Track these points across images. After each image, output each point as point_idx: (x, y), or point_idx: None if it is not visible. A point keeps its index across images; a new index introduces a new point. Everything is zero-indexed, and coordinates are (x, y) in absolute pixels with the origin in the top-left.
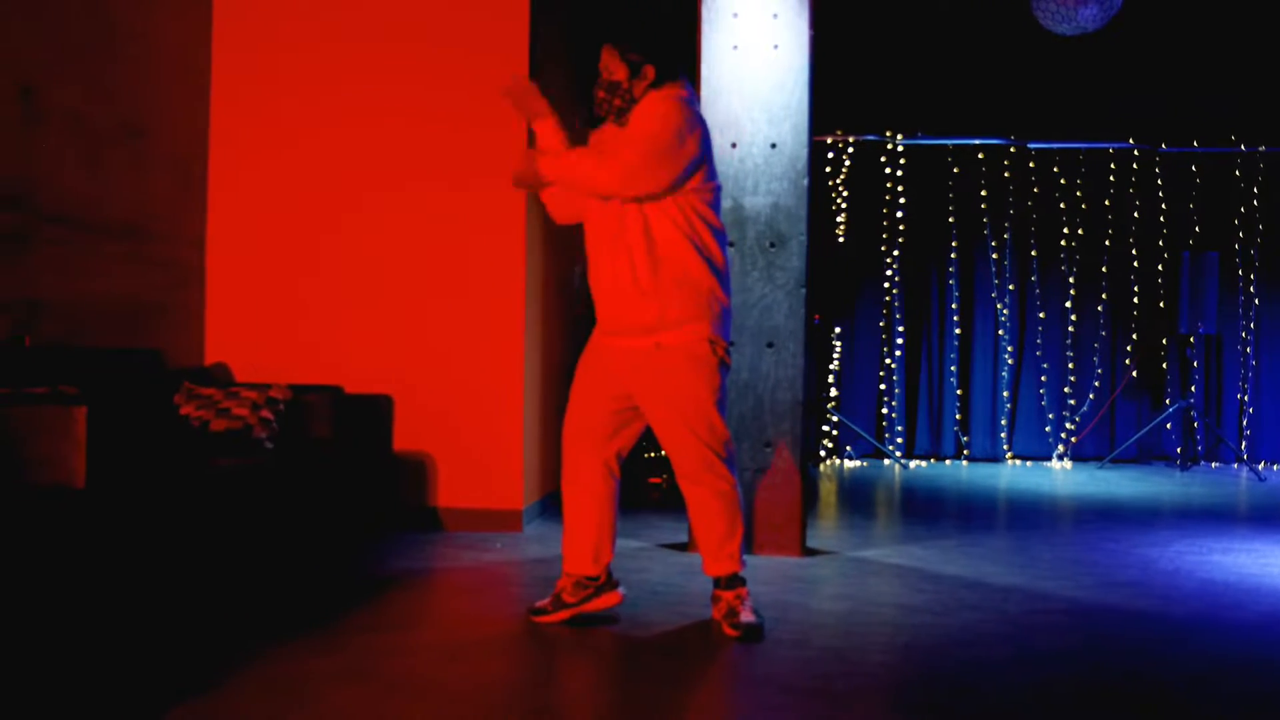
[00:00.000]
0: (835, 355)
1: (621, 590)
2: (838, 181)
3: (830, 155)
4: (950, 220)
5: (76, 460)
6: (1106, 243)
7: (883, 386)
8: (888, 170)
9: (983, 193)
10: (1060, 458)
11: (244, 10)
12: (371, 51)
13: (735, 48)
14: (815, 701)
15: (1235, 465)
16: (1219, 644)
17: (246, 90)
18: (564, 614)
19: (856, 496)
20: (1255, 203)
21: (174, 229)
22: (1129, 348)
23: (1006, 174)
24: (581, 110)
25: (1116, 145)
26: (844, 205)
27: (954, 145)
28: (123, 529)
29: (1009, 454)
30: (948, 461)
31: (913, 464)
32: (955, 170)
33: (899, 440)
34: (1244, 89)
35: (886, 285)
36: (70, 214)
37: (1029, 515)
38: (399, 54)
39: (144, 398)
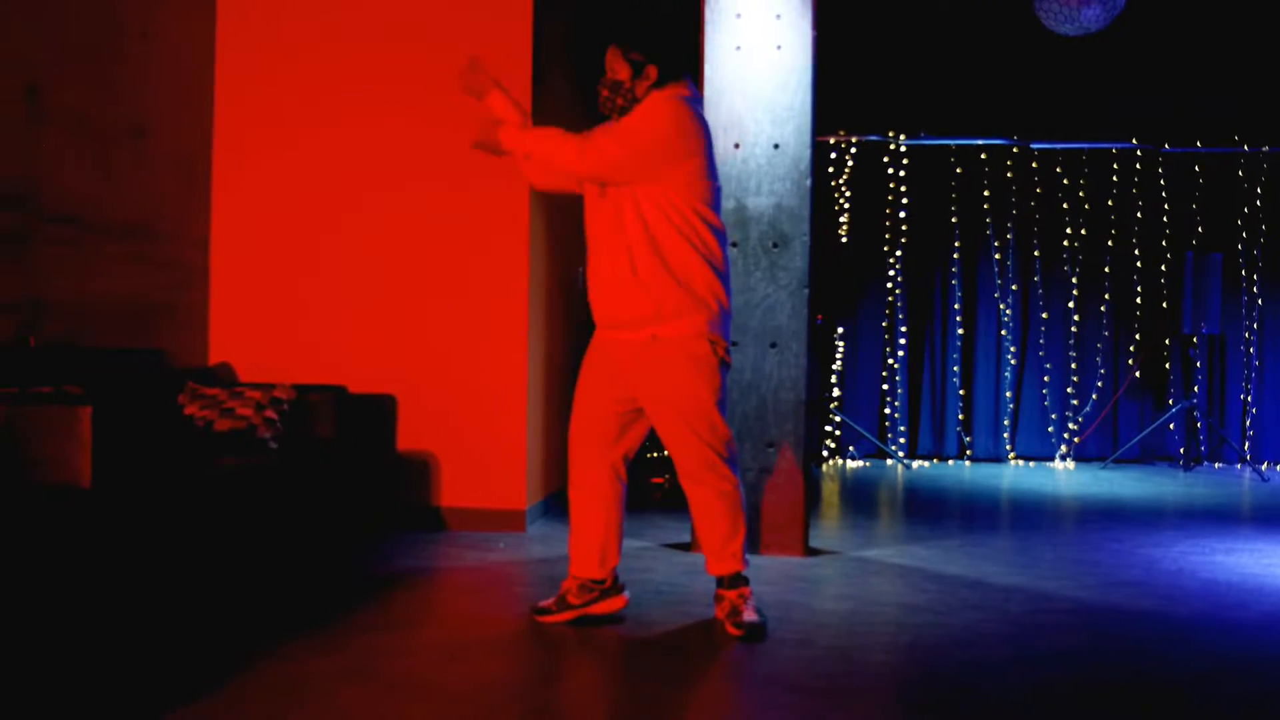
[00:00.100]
0: (838, 355)
1: (626, 595)
2: (840, 182)
3: (833, 155)
4: (953, 220)
5: (82, 460)
6: (1109, 243)
7: (885, 387)
8: (890, 170)
9: (985, 193)
10: (1063, 458)
11: (248, 10)
12: (375, 52)
13: (738, 48)
14: (818, 700)
15: (1239, 466)
16: (1222, 644)
17: (250, 90)
18: (568, 615)
19: (859, 496)
20: (1258, 203)
21: (178, 229)
22: (1132, 348)
23: (1009, 174)
24: (581, 110)
25: (1120, 145)
26: (847, 205)
27: (957, 145)
28: (128, 528)
29: (1012, 454)
30: (950, 462)
31: (915, 464)
32: (958, 170)
33: (902, 440)
34: (1247, 89)
35: (889, 285)
36: (75, 214)
37: (1031, 515)
38: (403, 54)
39: (149, 398)
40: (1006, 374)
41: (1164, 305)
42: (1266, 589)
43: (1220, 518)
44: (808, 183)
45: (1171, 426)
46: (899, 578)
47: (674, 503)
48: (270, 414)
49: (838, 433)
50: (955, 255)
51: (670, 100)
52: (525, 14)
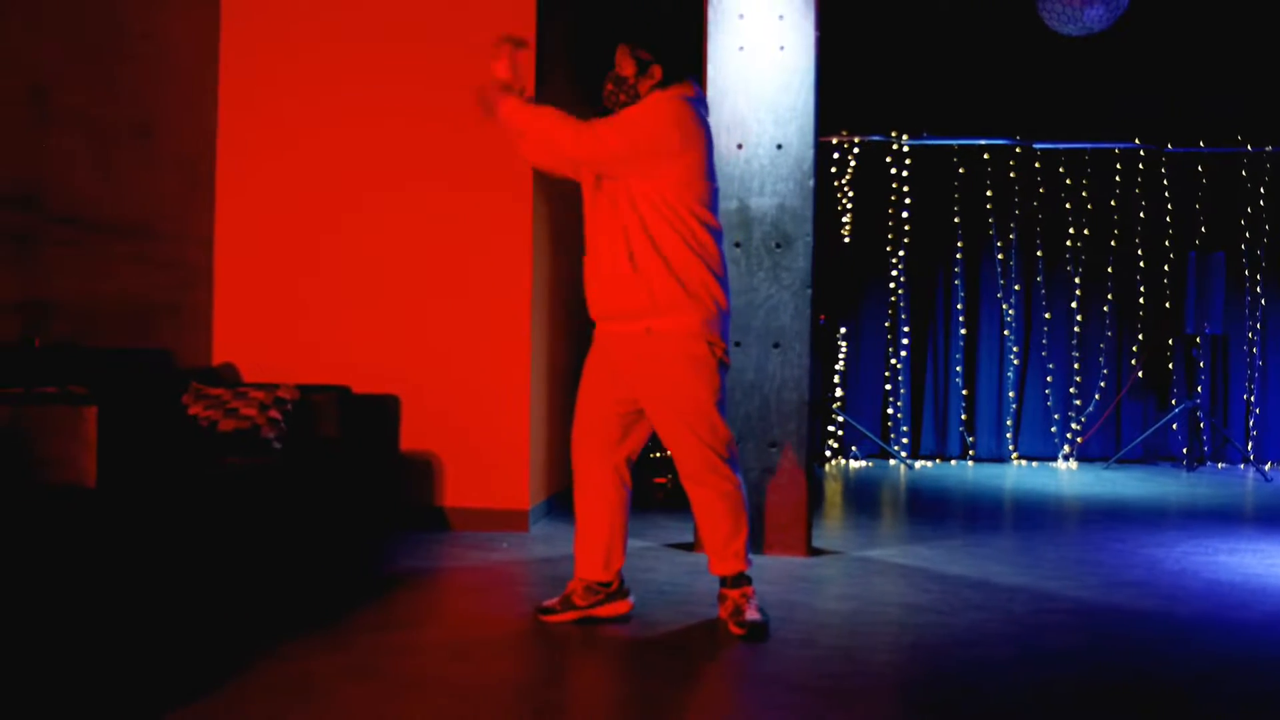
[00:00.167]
0: (841, 355)
1: (632, 600)
2: (843, 182)
3: (836, 156)
4: (956, 220)
5: (87, 460)
6: (1112, 243)
7: (888, 387)
8: (893, 171)
9: (988, 193)
10: (1066, 458)
11: (251, 11)
12: (378, 52)
13: (741, 49)
14: (821, 700)
15: (1241, 466)
16: (1225, 643)
17: (254, 90)
18: (572, 615)
19: (862, 496)
20: (1261, 203)
21: (182, 229)
22: (1135, 348)
23: (1012, 174)
24: (584, 111)
25: (1122, 145)
26: (849, 206)
27: (959, 146)
28: (133, 528)
29: (1014, 454)
30: (953, 462)
31: (918, 464)
32: (961, 171)
33: (904, 440)
34: (1250, 89)
35: (892, 285)
36: (80, 214)
37: (1034, 515)
38: (406, 54)
39: (153, 398)
40: (1009, 374)
41: (1167, 305)
42: (1269, 589)
43: (1223, 518)
44: (810, 183)
45: (1174, 427)
46: (902, 578)
47: (676, 503)
48: (274, 414)
49: (840, 433)
50: (958, 255)
51: (671, 99)
52: (529, 14)
